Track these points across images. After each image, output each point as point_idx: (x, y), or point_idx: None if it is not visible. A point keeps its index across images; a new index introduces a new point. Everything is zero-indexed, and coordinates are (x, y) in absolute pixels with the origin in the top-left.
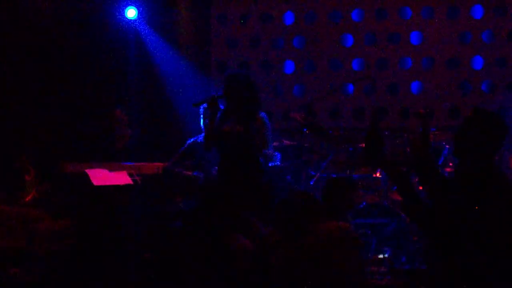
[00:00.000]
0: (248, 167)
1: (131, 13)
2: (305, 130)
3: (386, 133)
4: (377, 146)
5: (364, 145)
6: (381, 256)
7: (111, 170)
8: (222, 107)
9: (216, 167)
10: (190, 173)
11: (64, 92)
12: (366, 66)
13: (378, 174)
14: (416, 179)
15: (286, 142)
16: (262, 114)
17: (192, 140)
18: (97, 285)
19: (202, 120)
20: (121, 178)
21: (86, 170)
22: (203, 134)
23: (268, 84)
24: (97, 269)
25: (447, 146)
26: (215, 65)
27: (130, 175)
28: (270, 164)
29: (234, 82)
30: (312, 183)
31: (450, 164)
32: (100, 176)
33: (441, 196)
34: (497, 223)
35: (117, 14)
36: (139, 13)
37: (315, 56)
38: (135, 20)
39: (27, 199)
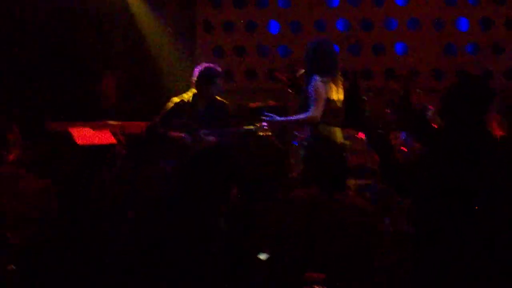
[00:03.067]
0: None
1: None
2: (289, 90)
3: (365, 97)
4: (357, 108)
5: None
6: None
7: (94, 129)
8: None
9: (204, 130)
10: (176, 134)
11: (48, 52)
12: (350, 27)
13: (361, 135)
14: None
15: (271, 102)
16: (313, 77)
17: (178, 99)
18: (78, 244)
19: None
20: (104, 137)
21: (70, 129)
22: (190, 93)
23: (252, 44)
24: (78, 229)
25: (431, 108)
26: (200, 25)
27: (114, 134)
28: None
29: (306, 52)
30: (296, 143)
31: (434, 125)
32: (84, 135)
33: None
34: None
35: None
36: None
37: (300, 17)
38: None
39: (10, 157)
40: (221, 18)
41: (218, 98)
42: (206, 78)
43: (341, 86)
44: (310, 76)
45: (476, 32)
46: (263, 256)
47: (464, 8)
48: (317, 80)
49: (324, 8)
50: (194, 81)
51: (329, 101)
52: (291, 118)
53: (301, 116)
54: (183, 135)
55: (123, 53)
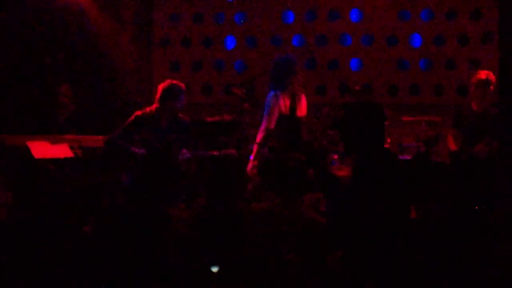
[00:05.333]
0: None
1: None
2: (246, 105)
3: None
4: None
5: None
6: None
7: (52, 143)
8: None
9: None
10: (137, 150)
11: (3, 65)
12: (306, 42)
13: None
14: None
15: (227, 117)
16: (270, 93)
17: (140, 113)
18: (37, 257)
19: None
20: (62, 151)
21: (27, 143)
22: (153, 107)
23: (209, 59)
24: (37, 241)
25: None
26: (157, 40)
27: (71, 148)
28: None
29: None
30: (251, 158)
31: (388, 140)
32: (41, 149)
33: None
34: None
35: None
36: None
37: (256, 32)
38: None
39: None
40: (178, 33)
41: (181, 114)
42: (170, 94)
43: (303, 101)
44: (268, 91)
45: (429, 48)
46: (214, 269)
47: (417, 24)
48: (271, 95)
49: (279, 24)
50: (158, 97)
51: (283, 114)
52: (257, 142)
53: (259, 135)
54: (144, 152)
55: (81, 66)
